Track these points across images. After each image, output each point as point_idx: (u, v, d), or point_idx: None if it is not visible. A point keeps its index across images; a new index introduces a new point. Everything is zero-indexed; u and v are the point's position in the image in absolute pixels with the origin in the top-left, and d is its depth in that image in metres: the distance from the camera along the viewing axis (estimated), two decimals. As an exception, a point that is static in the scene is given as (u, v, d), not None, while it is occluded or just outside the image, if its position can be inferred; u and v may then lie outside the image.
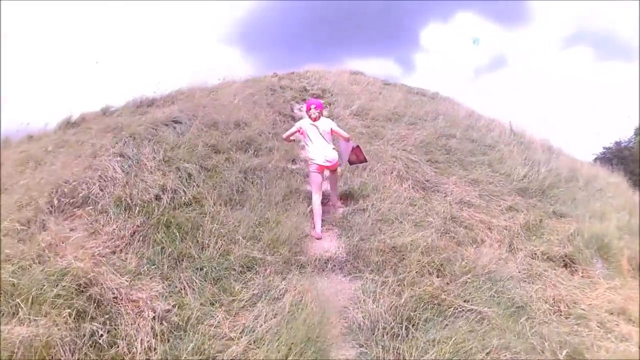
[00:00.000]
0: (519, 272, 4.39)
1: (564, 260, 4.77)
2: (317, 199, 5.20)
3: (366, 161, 5.89)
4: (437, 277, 4.01)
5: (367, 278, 4.01)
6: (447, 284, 3.92)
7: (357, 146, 5.65)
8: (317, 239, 4.92)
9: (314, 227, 5.05)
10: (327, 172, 5.50)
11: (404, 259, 4.23)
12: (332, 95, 10.69)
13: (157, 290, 3.39)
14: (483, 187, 6.42)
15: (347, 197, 5.83)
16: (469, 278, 3.97)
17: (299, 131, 5.42)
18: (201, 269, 3.83)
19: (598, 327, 3.69)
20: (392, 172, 6.37)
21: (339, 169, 5.75)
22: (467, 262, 4.30)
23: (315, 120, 5.33)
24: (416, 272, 3.96)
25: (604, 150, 19.53)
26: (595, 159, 17.24)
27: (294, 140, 6.00)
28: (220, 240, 4.20)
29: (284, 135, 5.65)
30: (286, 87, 11.02)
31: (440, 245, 4.56)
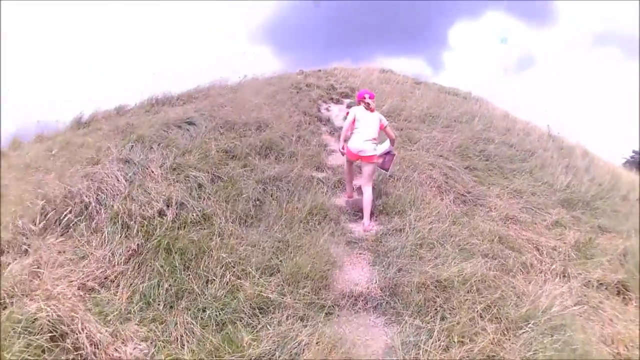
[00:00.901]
0: (576, 306, 3.67)
1: (617, 288, 4.20)
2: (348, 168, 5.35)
3: (386, 171, 5.43)
4: (491, 321, 3.26)
5: (406, 322, 3.27)
6: (503, 333, 3.16)
7: (393, 155, 5.19)
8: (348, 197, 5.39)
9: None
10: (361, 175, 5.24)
11: (450, 298, 3.47)
12: (360, 94, 9.94)
13: (146, 343, 2.71)
14: (526, 199, 5.85)
15: (380, 212, 5.08)
16: (529, 327, 3.20)
17: (353, 121, 5.04)
18: (203, 310, 3.13)
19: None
20: (429, 183, 5.65)
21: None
22: (523, 301, 3.55)
23: (371, 111, 5.07)
24: (467, 319, 3.20)
25: (634, 154, 18.39)
26: (625, 162, 16.05)
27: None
28: (229, 272, 3.50)
29: (344, 129, 5.09)
30: (312, 85, 10.29)
31: (490, 276, 3.81)
